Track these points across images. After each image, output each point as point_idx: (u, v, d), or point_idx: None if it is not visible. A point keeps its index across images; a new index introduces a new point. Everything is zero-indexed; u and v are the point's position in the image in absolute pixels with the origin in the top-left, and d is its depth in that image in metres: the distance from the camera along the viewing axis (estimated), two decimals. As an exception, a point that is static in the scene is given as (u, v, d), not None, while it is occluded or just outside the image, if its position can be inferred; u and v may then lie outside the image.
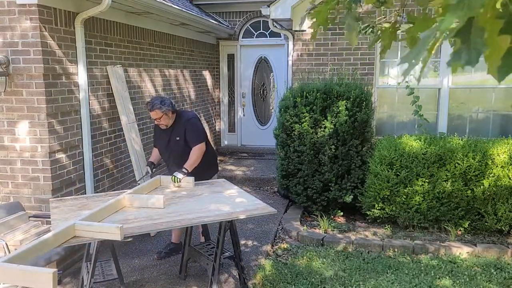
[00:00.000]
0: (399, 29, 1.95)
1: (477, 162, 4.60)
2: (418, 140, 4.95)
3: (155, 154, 4.25)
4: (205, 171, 4.14)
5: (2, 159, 3.92)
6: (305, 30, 5.92)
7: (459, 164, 4.65)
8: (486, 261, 4.25)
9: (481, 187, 4.59)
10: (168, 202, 3.39)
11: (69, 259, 4.13)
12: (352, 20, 1.78)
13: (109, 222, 2.93)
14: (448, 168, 4.68)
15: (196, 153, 3.94)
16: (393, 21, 1.90)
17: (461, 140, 4.94)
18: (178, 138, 4.02)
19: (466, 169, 4.63)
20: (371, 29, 2.03)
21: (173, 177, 3.80)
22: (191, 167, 3.88)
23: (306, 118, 5.24)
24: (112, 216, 3.06)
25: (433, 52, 0.94)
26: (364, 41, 5.65)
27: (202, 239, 4.27)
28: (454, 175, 4.66)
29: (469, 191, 4.63)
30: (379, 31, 2.00)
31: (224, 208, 3.29)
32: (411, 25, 1.53)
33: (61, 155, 3.99)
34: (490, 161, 4.59)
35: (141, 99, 5.55)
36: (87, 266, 3.35)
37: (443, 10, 0.91)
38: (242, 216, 3.23)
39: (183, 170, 3.83)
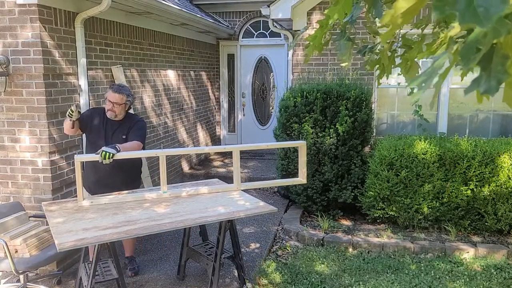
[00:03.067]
0: (396, 52, 1.93)
1: (477, 162, 4.59)
2: (419, 140, 4.94)
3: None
4: (128, 184, 3.75)
5: (2, 159, 3.92)
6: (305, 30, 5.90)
7: (459, 164, 4.65)
8: (486, 261, 4.25)
9: (481, 187, 4.59)
10: (168, 203, 3.39)
11: (69, 259, 4.13)
12: (345, 40, 1.76)
13: (112, 223, 2.93)
14: (448, 168, 4.68)
15: (135, 144, 3.53)
16: (389, 42, 1.87)
17: (462, 140, 4.93)
18: (124, 137, 3.66)
19: (466, 169, 4.63)
20: (370, 49, 1.99)
21: (104, 152, 3.13)
22: (124, 148, 3.34)
23: (306, 118, 5.24)
24: (114, 217, 3.06)
25: (446, 77, 0.91)
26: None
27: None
28: (454, 175, 4.66)
29: (469, 191, 4.63)
30: (378, 54, 1.97)
31: (225, 207, 3.29)
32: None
33: (61, 155, 3.99)
34: (490, 160, 4.59)
35: (141, 99, 5.55)
36: (85, 267, 3.35)
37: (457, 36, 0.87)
38: (243, 215, 3.23)
39: (116, 146, 3.25)
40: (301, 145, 3.74)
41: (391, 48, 1.88)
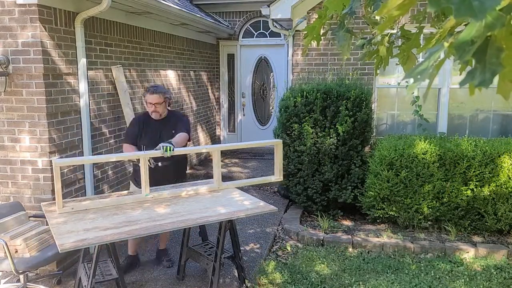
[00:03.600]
0: (394, 43, 1.93)
1: (477, 162, 4.59)
2: (419, 140, 4.94)
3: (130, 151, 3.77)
4: (178, 176, 4.00)
5: (2, 159, 3.92)
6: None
7: (459, 164, 4.65)
8: (486, 261, 4.25)
9: (481, 187, 4.59)
10: (168, 203, 3.39)
11: (69, 259, 4.13)
12: (344, 32, 1.76)
13: (111, 224, 2.92)
14: (448, 168, 4.68)
15: (183, 137, 3.73)
16: (388, 34, 1.87)
17: (462, 140, 4.93)
18: (174, 131, 3.82)
19: (466, 169, 4.63)
20: (368, 42, 1.99)
21: (165, 147, 3.34)
22: (177, 144, 3.55)
23: (306, 118, 5.24)
24: (114, 217, 3.05)
25: (440, 68, 0.91)
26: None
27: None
28: (454, 175, 4.65)
29: (469, 191, 4.63)
30: (376, 45, 1.97)
31: (225, 207, 3.29)
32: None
33: (61, 155, 3.99)
34: (490, 160, 4.59)
35: (141, 100, 5.54)
36: (84, 267, 3.34)
37: (453, 28, 0.87)
38: (243, 215, 3.23)
39: (171, 142, 3.46)
40: (277, 144, 3.87)
41: (389, 40, 1.88)
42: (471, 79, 0.83)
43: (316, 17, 1.74)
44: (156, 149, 3.39)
